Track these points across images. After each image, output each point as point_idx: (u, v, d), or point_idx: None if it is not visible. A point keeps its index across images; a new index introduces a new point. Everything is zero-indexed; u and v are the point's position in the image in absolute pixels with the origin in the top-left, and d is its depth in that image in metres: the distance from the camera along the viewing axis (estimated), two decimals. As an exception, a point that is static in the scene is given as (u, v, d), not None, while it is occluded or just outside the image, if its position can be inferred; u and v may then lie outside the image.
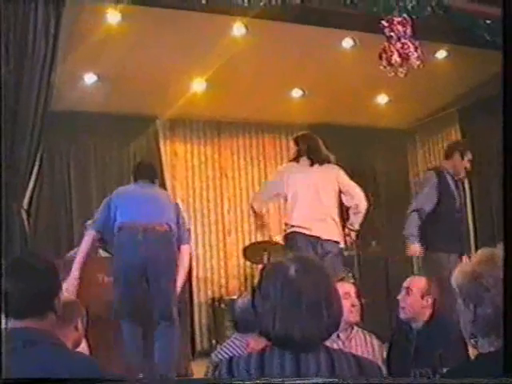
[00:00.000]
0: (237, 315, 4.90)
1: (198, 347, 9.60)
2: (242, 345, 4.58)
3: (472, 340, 2.39)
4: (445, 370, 3.68)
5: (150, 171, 7.27)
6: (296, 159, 7.73)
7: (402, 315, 5.19)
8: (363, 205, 7.66)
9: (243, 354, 2.75)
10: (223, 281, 10.57)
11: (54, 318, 2.92)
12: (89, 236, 6.98)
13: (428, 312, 5.06)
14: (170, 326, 6.56)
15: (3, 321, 2.87)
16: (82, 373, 2.73)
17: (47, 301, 2.90)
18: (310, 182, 7.50)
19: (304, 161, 7.66)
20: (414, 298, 5.13)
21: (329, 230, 7.36)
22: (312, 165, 7.66)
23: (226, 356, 4.40)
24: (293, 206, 7.43)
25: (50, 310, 2.90)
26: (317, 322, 2.45)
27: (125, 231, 6.60)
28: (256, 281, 2.66)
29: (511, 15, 2.55)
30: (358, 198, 7.65)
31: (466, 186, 11.12)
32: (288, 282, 2.47)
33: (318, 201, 7.46)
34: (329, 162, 7.77)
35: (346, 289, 5.02)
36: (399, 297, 5.22)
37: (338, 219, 7.61)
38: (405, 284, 5.28)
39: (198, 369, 7.38)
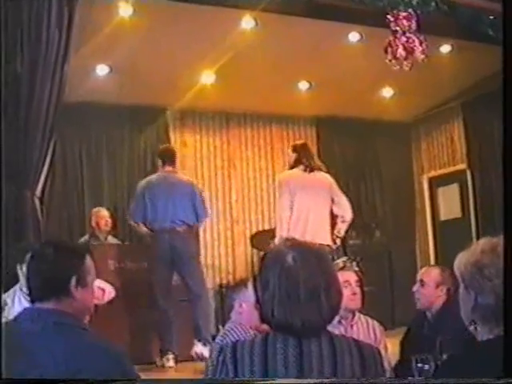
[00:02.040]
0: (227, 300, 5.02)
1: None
2: (237, 327, 4.65)
3: (472, 326, 2.42)
4: (444, 357, 3.76)
5: (172, 156, 8.31)
6: (295, 166, 7.97)
7: (418, 305, 5.29)
8: (349, 215, 7.90)
9: (247, 339, 2.70)
10: (230, 268, 10.67)
11: (71, 302, 2.91)
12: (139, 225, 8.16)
13: (442, 300, 5.15)
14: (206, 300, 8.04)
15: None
16: (106, 361, 2.74)
17: (65, 285, 2.91)
18: (308, 189, 7.74)
19: (302, 168, 7.91)
20: (429, 289, 5.21)
21: (322, 235, 7.58)
22: (309, 172, 7.90)
23: (225, 339, 4.46)
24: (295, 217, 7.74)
25: (65, 294, 2.90)
26: (315, 308, 2.48)
27: (156, 231, 7.93)
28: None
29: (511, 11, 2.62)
30: (345, 209, 7.89)
31: (469, 178, 11.22)
32: (286, 269, 2.50)
33: (315, 206, 7.72)
34: (321, 170, 8.02)
35: (347, 277, 5.00)
36: (414, 288, 5.30)
37: (329, 226, 7.86)
38: (419, 275, 5.38)
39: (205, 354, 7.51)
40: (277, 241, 7.61)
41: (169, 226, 7.85)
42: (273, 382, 2.46)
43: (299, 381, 2.46)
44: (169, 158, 8.23)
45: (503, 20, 2.69)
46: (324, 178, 8.02)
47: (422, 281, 5.25)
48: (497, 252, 2.39)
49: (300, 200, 7.73)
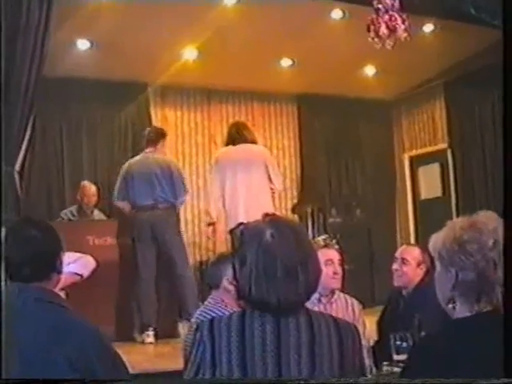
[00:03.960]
0: (207, 276, 5.00)
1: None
2: (218, 303, 4.65)
3: (450, 305, 2.41)
4: (422, 334, 3.78)
5: (153, 137, 8.32)
6: (228, 143, 8.04)
7: (397, 283, 5.32)
8: (279, 187, 8.02)
9: (224, 315, 2.70)
10: (211, 245, 10.66)
11: (57, 277, 2.95)
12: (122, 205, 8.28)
13: (418, 279, 5.20)
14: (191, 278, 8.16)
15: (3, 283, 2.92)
16: (85, 337, 2.75)
17: (51, 263, 2.93)
18: (240, 163, 7.86)
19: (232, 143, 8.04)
20: (411, 267, 5.25)
21: (259, 207, 7.56)
22: (236, 144, 7.98)
23: (205, 316, 4.44)
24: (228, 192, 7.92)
25: (53, 271, 2.93)
26: (292, 285, 2.46)
27: (137, 209, 8.02)
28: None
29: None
30: (276, 180, 7.95)
31: (449, 157, 11.27)
32: (263, 246, 2.48)
33: (249, 179, 7.87)
34: (255, 143, 8.07)
35: (329, 255, 5.00)
36: (395, 266, 5.33)
37: (269, 197, 7.90)
38: (398, 254, 5.40)
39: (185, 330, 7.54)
40: (209, 220, 7.77)
41: (150, 204, 7.92)
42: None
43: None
44: (150, 138, 8.26)
45: (503, 18, 2.66)
46: (257, 149, 8.04)
47: (404, 259, 5.28)
48: (477, 228, 2.39)
49: (232, 175, 7.75)
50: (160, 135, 8.35)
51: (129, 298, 7.97)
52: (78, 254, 5.55)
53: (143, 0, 7.76)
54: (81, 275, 5.53)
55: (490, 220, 2.43)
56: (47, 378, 2.61)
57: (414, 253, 5.34)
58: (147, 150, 8.19)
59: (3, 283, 2.90)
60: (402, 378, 2.34)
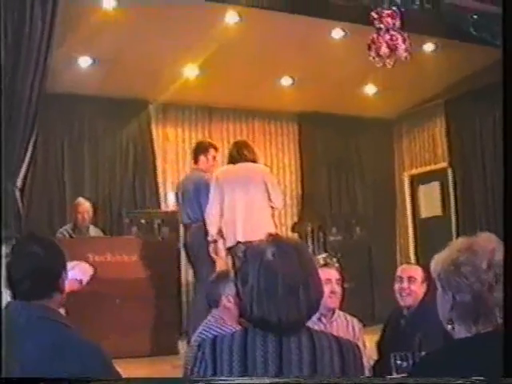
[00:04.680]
0: (207, 294, 4.99)
1: (185, 327, 9.70)
2: (218, 321, 4.65)
3: (449, 326, 2.42)
4: (423, 354, 3.78)
5: (193, 153, 8.50)
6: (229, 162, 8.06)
7: (404, 302, 5.31)
8: (279, 204, 7.95)
9: (226, 334, 2.65)
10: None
11: (60, 296, 2.96)
12: None
13: (420, 298, 5.22)
14: None
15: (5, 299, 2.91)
16: (87, 356, 2.75)
17: (53, 280, 2.94)
18: (238, 182, 7.79)
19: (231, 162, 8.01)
20: (417, 285, 5.26)
21: (259, 226, 7.55)
22: (236, 163, 7.96)
23: (206, 335, 4.44)
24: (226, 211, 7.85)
25: (56, 289, 2.93)
26: (294, 305, 2.46)
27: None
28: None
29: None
30: (276, 198, 7.87)
31: (450, 175, 11.28)
32: (265, 265, 2.48)
33: (247, 198, 7.79)
34: (255, 162, 8.03)
35: (328, 275, 5.01)
36: (400, 285, 5.33)
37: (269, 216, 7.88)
38: (402, 273, 5.40)
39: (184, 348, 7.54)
40: (210, 238, 7.70)
41: (187, 223, 8.16)
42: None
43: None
44: (193, 154, 8.47)
45: (503, 20, 2.68)
46: (256, 168, 7.96)
47: (411, 277, 5.29)
48: (473, 250, 2.40)
49: (230, 193, 7.73)
50: (199, 149, 8.44)
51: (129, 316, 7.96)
52: (75, 262, 5.54)
53: (145, 18, 7.77)
54: (80, 281, 5.52)
55: (486, 242, 2.44)
56: (47, 377, 2.60)
57: (419, 271, 5.36)
58: (192, 166, 8.45)
59: (3, 295, 2.90)
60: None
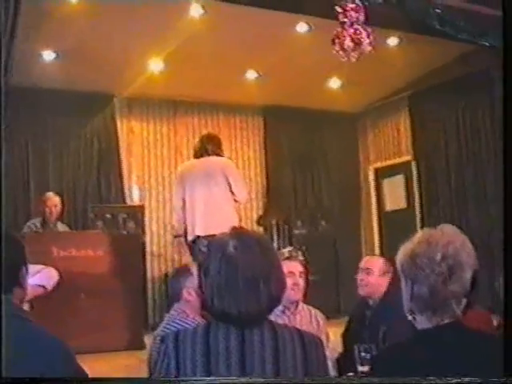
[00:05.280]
0: (168, 288, 5.00)
1: (151, 321, 9.70)
2: (181, 315, 4.66)
3: (410, 316, 2.48)
4: (387, 345, 3.80)
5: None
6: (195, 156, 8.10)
7: (362, 292, 5.37)
8: (242, 197, 8.00)
9: (189, 328, 2.74)
10: (176, 256, 10.64)
11: (20, 291, 2.90)
12: None
13: (383, 289, 5.24)
14: None
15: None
16: (51, 351, 2.70)
17: (13, 276, 2.87)
18: (199, 176, 7.83)
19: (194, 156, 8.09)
20: (374, 277, 5.30)
21: (221, 219, 7.57)
22: (198, 158, 7.98)
23: (169, 328, 4.44)
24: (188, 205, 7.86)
25: (16, 284, 2.87)
26: (254, 298, 2.47)
27: None
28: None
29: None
30: (239, 191, 7.91)
31: (414, 169, 11.36)
32: (226, 258, 2.49)
33: (208, 192, 7.82)
34: (219, 155, 8.03)
35: (291, 267, 5.04)
36: (359, 276, 5.38)
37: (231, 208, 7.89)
38: (362, 264, 5.45)
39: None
40: (174, 232, 7.71)
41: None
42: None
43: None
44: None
45: (503, 20, 2.69)
46: (218, 161, 7.97)
47: (368, 269, 5.35)
48: (430, 242, 2.45)
49: (191, 188, 7.75)
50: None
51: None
52: (41, 266, 5.51)
53: (110, 11, 7.73)
54: (44, 287, 5.49)
55: (444, 234, 2.49)
56: (47, 377, 2.60)
57: (377, 263, 5.42)
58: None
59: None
60: (398, 377, 2.35)
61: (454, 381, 2.22)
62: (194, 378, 2.44)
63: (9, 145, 9.57)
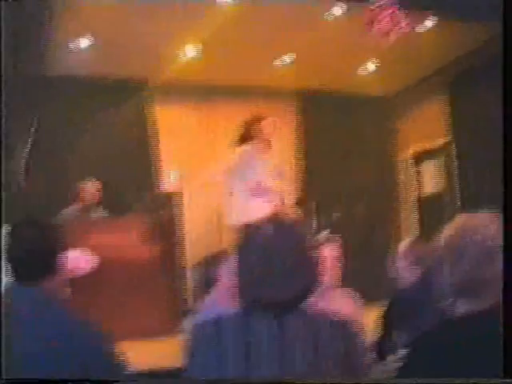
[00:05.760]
0: (204, 273, 5.01)
1: (190, 306, 9.73)
2: (218, 301, 4.64)
3: (448, 301, 2.48)
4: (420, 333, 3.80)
5: None
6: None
7: (391, 275, 5.36)
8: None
9: (225, 315, 2.66)
10: (216, 241, 10.64)
11: (59, 278, 2.98)
12: None
13: (413, 273, 5.22)
14: None
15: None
16: (86, 340, 2.79)
17: (51, 263, 2.95)
18: None
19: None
20: (397, 258, 5.30)
21: None
22: None
23: (206, 315, 4.45)
24: None
25: (54, 271, 2.95)
26: (291, 284, 2.48)
27: None
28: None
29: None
30: None
31: (453, 151, 11.27)
32: (262, 245, 2.52)
33: None
34: None
35: (328, 252, 5.07)
36: (391, 259, 5.38)
37: None
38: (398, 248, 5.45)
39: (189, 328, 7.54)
40: None
41: None
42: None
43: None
44: None
45: (503, 15, 2.67)
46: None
47: (396, 250, 5.33)
48: (469, 226, 2.43)
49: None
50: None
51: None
52: (78, 250, 5.57)
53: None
54: (82, 269, 5.55)
55: (483, 218, 2.46)
56: (47, 378, 2.62)
57: (404, 247, 5.37)
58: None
59: (4, 283, 2.91)
60: (403, 378, 2.36)
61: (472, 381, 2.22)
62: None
63: (44, 132, 9.64)
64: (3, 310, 2.76)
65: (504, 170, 2.46)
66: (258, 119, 8.25)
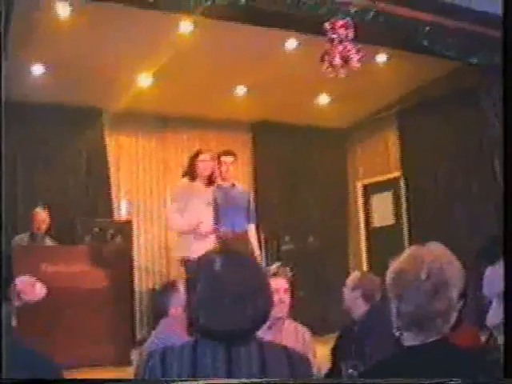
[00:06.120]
0: (155, 304, 4.99)
1: (139, 335, 9.66)
2: (167, 331, 4.62)
3: (397, 332, 2.49)
4: (373, 362, 3.80)
5: None
6: None
7: (342, 306, 5.39)
8: None
9: (177, 344, 2.60)
10: (164, 270, 10.64)
11: (10, 307, 2.93)
12: None
13: (363, 305, 5.25)
14: None
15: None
16: (36, 366, 2.70)
17: (4, 291, 2.91)
18: None
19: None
20: (347, 291, 5.32)
21: None
22: None
23: (157, 344, 4.42)
24: None
25: (5, 300, 2.88)
26: (241, 315, 2.45)
27: None
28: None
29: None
30: None
31: (402, 185, 11.37)
32: (213, 274, 2.49)
33: None
34: None
35: (278, 284, 5.05)
36: (341, 291, 5.41)
37: None
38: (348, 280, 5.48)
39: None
40: None
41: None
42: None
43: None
44: None
45: (503, 20, 2.70)
46: None
47: (345, 283, 5.36)
48: (416, 259, 2.46)
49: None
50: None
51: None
52: (27, 278, 5.48)
53: (99, 25, 7.73)
54: (30, 298, 5.46)
55: (430, 252, 2.49)
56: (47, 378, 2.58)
57: (352, 277, 5.42)
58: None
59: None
60: (401, 378, 2.36)
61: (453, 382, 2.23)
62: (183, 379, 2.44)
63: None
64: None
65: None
66: (196, 154, 8.16)
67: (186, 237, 7.72)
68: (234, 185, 8.31)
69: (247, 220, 8.21)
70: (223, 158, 8.21)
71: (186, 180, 8.02)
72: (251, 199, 8.51)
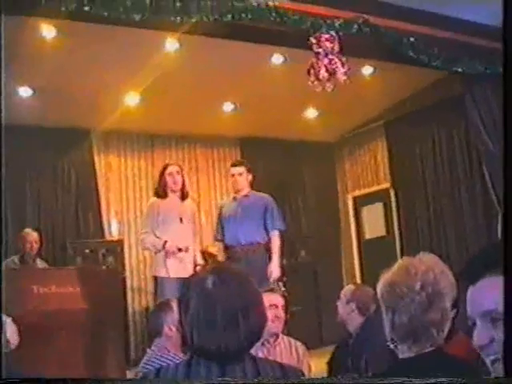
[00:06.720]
0: (149, 324, 4.99)
1: (133, 355, 9.62)
2: (162, 351, 4.63)
3: (392, 345, 2.49)
4: (370, 374, 3.78)
5: None
6: None
7: (336, 320, 5.40)
8: None
9: (171, 364, 2.68)
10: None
11: None
12: None
13: (358, 317, 5.25)
14: None
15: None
16: None
17: None
18: None
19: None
20: (341, 304, 5.33)
21: None
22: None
23: (151, 365, 4.41)
24: None
25: None
26: (235, 333, 2.44)
27: None
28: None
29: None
30: None
31: (392, 196, 11.38)
32: (205, 293, 2.49)
33: None
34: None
35: (272, 300, 5.05)
36: (335, 305, 5.42)
37: None
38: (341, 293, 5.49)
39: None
40: None
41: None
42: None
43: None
44: None
45: (504, 22, 2.69)
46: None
47: (339, 296, 5.37)
48: (409, 271, 2.45)
49: None
50: None
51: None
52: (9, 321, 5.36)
53: (85, 46, 7.73)
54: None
55: (423, 263, 2.49)
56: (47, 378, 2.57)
57: (345, 290, 5.43)
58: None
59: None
60: (399, 378, 2.35)
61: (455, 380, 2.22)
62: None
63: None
64: None
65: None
66: (163, 168, 8.03)
67: (159, 255, 7.69)
68: (246, 195, 8.11)
69: (264, 229, 7.96)
70: (231, 170, 8.15)
71: (154, 198, 7.94)
72: (271, 205, 8.20)
